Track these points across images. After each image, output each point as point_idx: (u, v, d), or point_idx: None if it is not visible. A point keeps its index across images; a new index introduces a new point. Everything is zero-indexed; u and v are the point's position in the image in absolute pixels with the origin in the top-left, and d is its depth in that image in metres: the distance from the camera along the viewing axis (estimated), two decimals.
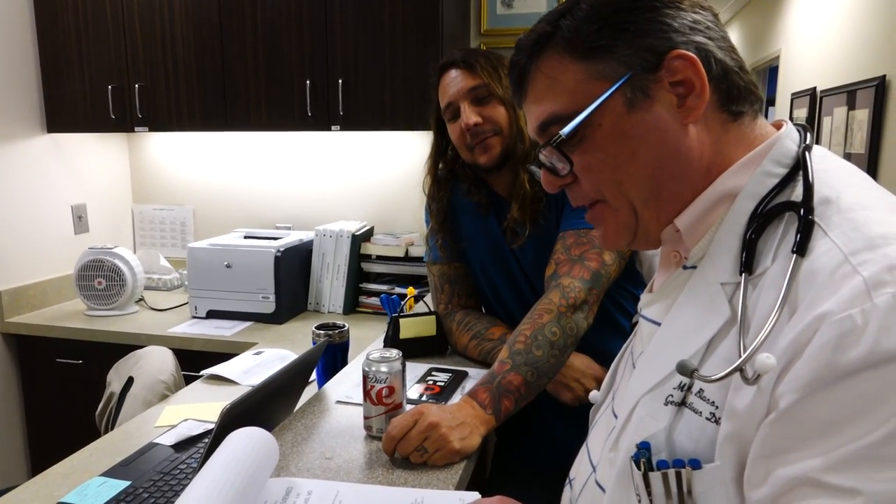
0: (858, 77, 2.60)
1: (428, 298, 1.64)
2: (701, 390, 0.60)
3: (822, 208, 0.58)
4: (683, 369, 0.59)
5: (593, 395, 0.85)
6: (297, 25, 2.13)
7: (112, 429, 1.61)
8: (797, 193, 0.60)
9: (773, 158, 0.63)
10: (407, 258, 2.25)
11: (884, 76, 2.35)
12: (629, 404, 0.67)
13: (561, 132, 0.66)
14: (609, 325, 1.34)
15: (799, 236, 0.56)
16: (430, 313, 1.52)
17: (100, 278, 2.28)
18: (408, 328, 1.48)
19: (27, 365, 2.29)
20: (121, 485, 1.13)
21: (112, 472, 1.17)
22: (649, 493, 0.59)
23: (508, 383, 1.11)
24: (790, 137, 0.65)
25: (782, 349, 0.52)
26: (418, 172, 2.23)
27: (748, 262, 0.60)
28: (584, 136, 0.66)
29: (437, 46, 2.02)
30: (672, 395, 0.62)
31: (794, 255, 0.56)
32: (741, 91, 0.66)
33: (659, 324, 0.69)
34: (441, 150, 1.44)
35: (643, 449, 0.61)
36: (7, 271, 2.29)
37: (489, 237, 1.43)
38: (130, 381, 1.67)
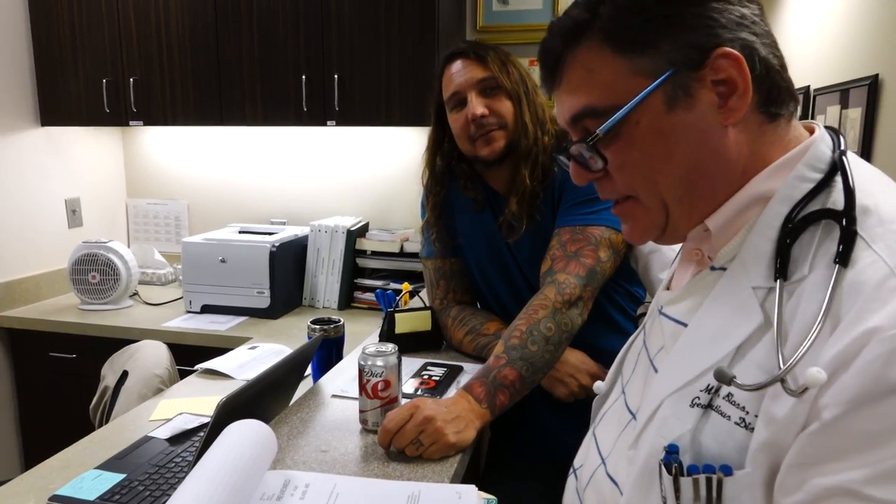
0: (851, 76, 2.62)
1: (423, 294, 1.64)
2: (730, 394, 0.59)
3: (863, 218, 0.56)
4: (722, 377, 0.57)
5: (597, 385, 0.85)
6: (292, 20, 2.12)
7: (106, 422, 1.61)
8: (834, 200, 0.59)
9: (808, 163, 0.62)
10: (402, 254, 2.26)
11: (876, 75, 2.36)
12: (653, 404, 0.66)
13: (598, 130, 0.64)
14: (604, 320, 1.35)
15: (842, 247, 0.55)
16: (424, 308, 1.52)
17: (94, 272, 2.27)
18: (403, 323, 1.48)
19: (20, 359, 2.29)
20: (116, 478, 1.13)
21: (107, 466, 1.17)
22: (678, 498, 0.59)
23: (504, 378, 1.12)
24: (824, 142, 0.63)
25: (826, 361, 0.51)
26: (413, 168, 2.22)
27: (783, 268, 0.59)
28: (619, 132, 0.64)
29: (432, 42, 2.02)
30: (699, 398, 0.61)
31: (837, 266, 0.54)
32: (781, 92, 0.64)
33: (685, 324, 0.68)
34: (439, 142, 1.43)
35: (673, 453, 0.60)
36: (0, 265, 2.28)
37: (485, 233, 1.43)
38: (125, 374, 1.67)
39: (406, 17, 2.04)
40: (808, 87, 3.27)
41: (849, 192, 0.58)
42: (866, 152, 2.38)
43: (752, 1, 0.63)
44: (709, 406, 0.60)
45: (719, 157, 0.63)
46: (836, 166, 0.61)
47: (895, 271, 0.52)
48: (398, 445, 1.00)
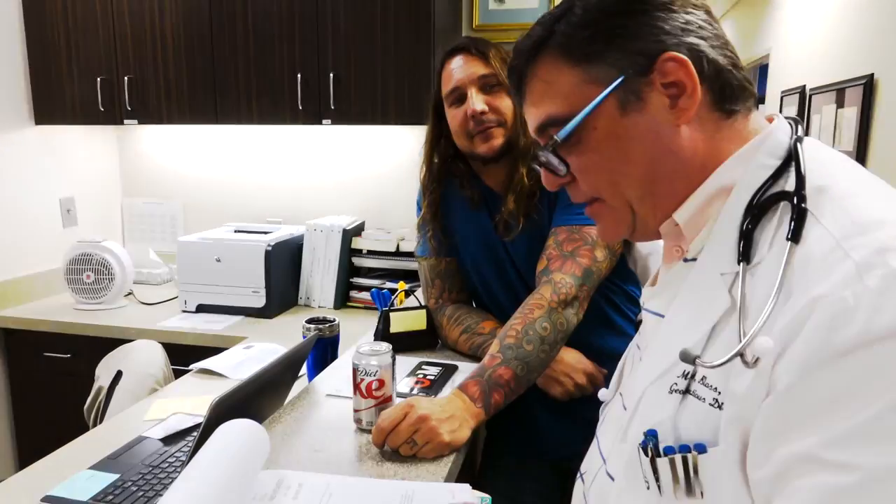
0: (847, 75, 2.62)
1: (419, 293, 1.64)
2: (704, 377, 0.61)
3: (815, 197, 0.59)
4: (686, 357, 0.61)
5: (602, 393, 0.85)
6: (288, 18, 2.12)
7: (100, 423, 1.60)
8: (790, 183, 0.62)
9: (767, 151, 0.65)
10: (398, 253, 2.25)
11: (871, 74, 2.37)
12: (636, 395, 0.69)
13: (556, 136, 0.68)
14: (601, 321, 1.35)
15: (793, 224, 0.58)
16: (420, 307, 1.52)
17: (88, 272, 2.26)
18: (398, 322, 1.48)
19: (15, 359, 2.28)
20: (109, 478, 1.12)
21: (100, 466, 1.17)
22: (657, 479, 0.61)
23: (499, 377, 1.12)
24: (782, 130, 0.66)
25: (779, 332, 0.54)
26: (409, 167, 2.22)
27: (745, 252, 0.61)
28: (579, 138, 0.68)
29: (428, 41, 2.02)
30: (676, 384, 0.64)
31: (789, 243, 0.57)
32: (734, 89, 0.67)
33: (662, 316, 0.71)
34: (437, 138, 1.42)
35: (650, 436, 0.63)
36: None
37: (481, 232, 1.43)
38: (119, 374, 1.66)
39: (401, 16, 2.03)
40: (804, 86, 3.27)
41: (799, 174, 0.61)
42: (862, 150, 2.38)
43: (697, 7, 0.67)
44: (686, 391, 0.63)
45: (675, 156, 0.66)
46: (793, 153, 0.64)
47: (840, 243, 0.54)
48: (392, 444, 1.00)
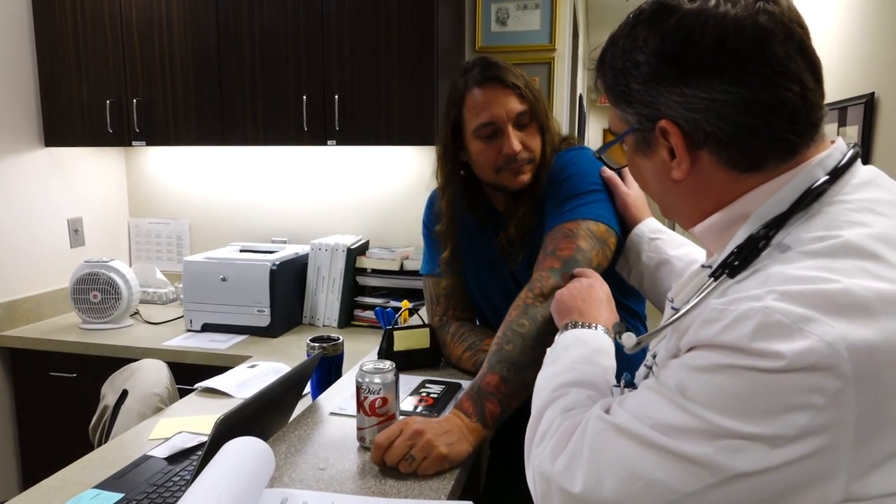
0: (848, 94, 2.64)
1: (423, 312, 1.65)
2: (655, 355, 0.79)
3: (795, 243, 0.64)
4: (616, 326, 0.83)
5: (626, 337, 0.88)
6: (293, 41, 2.15)
7: (106, 442, 1.60)
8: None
9: (793, 186, 0.67)
10: (402, 272, 2.26)
11: (872, 93, 2.39)
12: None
13: (597, 152, 0.85)
14: None
15: (736, 258, 0.66)
16: (423, 326, 1.52)
17: (95, 291, 2.28)
18: (402, 340, 1.48)
19: (21, 378, 2.28)
20: (114, 497, 1.12)
21: (105, 485, 1.17)
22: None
23: (487, 385, 1.10)
24: (822, 164, 0.66)
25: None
26: (413, 187, 2.23)
27: (717, 272, 0.68)
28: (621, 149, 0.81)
29: (431, 63, 2.05)
30: (648, 361, 0.81)
31: (725, 275, 0.66)
32: (755, 152, 0.67)
33: (678, 309, 0.77)
34: (453, 163, 1.38)
35: (627, 379, 0.83)
36: (2, 284, 2.29)
37: (486, 252, 1.44)
38: (125, 394, 1.67)
39: (405, 38, 2.07)
40: None
41: (781, 219, 0.66)
42: None
43: (708, 75, 0.66)
44: (651, 368, 0.79)
45: (676, 200, 0.76)
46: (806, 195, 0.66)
47: (764, 286, 0.60)
48: (390, 461, 1.00)
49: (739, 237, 0.68)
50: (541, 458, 0.72)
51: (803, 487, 0.57)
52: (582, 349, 0.91)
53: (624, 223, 1.31)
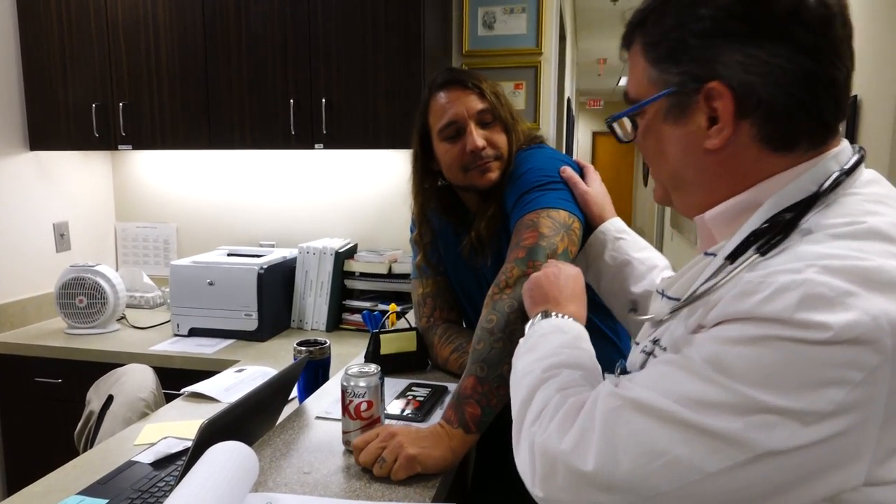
0: None
1: (410, 315, 1.65)
2: (660, 340, 0.75)
3: (817, 227, 0.64)
4: (632, 305, 0.83)
5: None
6: (280, 45, 2.15)
7: (91, 448, 1.59)
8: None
9: (811, 177, 0.67)
10: (390, 275, 2.26)
11: (855, 96, 2.42)
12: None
13: (623, 113, 0.78)
14: (595, 332, 1.34)
15: (766, 238, 0.65)
16: (410, 329, 1.53)
17: (81, 296, 2.26)
18: (388, 344, 1.48)
19: (6, 384, 2.26)
20: (98, 503, 1.11)
21: (89, 491, 1.16)
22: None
23: (464, 389, 1.09)
24: (836, 159, 0.68)
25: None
26: (401, 190, 2.23)
27: (734, 255, 0.68)
28: (636, 121, 0.77)
29: (418, 67, 2.06)
30: (646, 347, 0.78)
31: (756, 254, 0.64)
32: (796, 131, 0.67)
33: (678, 299, 0.76)
34: (424, 169, 1.41)
35: (621, 364, 0.81)
36: None
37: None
38: (110, 399, 1.66)
39: (392, 42, 2.07)
40: None
41: (808, 203, 0.66)
42: None
43: (777, 39, 0.65)
44: (651, 353, 0.76)
45: (699, 174, 0.72)
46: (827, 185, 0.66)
47: (799, 261, 0.60)
48: (363, 462, 1.01)
49: (754, 222, 0.68)
50: (544, 436, 0.68)
51: (826, 471, 0.56)
52: (563, 336, 0.90)
53: (585, 222, 1.30)
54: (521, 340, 0.93)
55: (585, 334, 0.93)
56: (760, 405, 0.56)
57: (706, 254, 0.75)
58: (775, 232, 0.65)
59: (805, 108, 0.66)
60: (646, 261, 1.24)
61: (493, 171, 1.32)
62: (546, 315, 0.96)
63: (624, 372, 0.79)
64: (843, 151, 0.69)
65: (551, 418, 0.69)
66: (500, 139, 1.33)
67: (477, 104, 1.32)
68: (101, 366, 1.99)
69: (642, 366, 0.76)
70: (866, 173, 0.69)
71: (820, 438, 0.56)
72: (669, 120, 0.72)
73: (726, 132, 0.68)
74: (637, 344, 0.85)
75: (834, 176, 0.66)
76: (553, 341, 0.88)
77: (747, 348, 0.58)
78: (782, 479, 0.57)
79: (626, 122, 0.79)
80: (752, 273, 0.61)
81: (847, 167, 0.67)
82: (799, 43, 0.65)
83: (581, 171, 1.34)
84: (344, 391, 1.08)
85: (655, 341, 0.75)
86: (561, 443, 0.66)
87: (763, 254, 0.64)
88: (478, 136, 1.30)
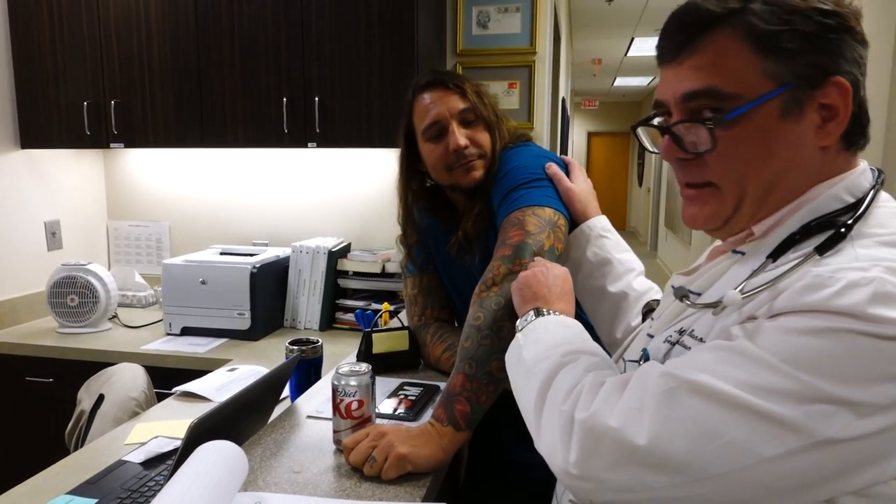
0: None
1: (403, 315, 1.64)
2: (692, 330, 0.73)
3: (862, 230, 0.67)
4: (679, 291, 0.78)
5: None
6: (273, 43, 2.14)
7: (82, 447, 1.58)
8: (848, 217, 0.68)
9: (845, 188, 0.71)
10: (384, 274, 2.26)
11: None
12: (639, 348, 0.83)
13: (724, 116, 0.69)
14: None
15: (824, 239, 0.67)
16: (402, 328, 1.52)
17: (72, 295, 2.25)
18: (381, 343, 1.48)
19: None
20: (87, 503, 1.11)
21: (79, 491, 1.15)
22: None
23: (453, 387, 1.09)
24: (865, 175, 0.73)
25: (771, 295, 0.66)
26: (395, 189, 2.23)
27: (776, 253, 0.70)
28: (735, 123, 0.69)
29: (412, 65, 2.05)
30: (671, 336, 0.77)
31: (815, 252, 0.66)
32: (863, 128, 0.72)
33: (700, 294, 0.78)
34: (411, 172, 1.42)
35: (644, 353, 0.81)
36: None
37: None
38: (101, 398, 1.65)
39: (386, 41, 2.07)
40: None
41: (858, 211, 0.68)
42: None
43: (867, 45, 0.70)
44: (676, 343, 0.75)
45: (802, 173, 0.71)
46: (865, 196, 0.70)
47: (860, 261, 0.62)
48: (353, 461, 1.00)
49: (792, 225, 0.71)
50: (587, 412, 0.66)
51: (869, 462, 0.58)
52: (568, 329, 0.90)
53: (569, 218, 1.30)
54: (519, 336, 0.92)
55: (585, 330, 0.92)
56: (822, 394, 0.58)
57: (734, 251, 0.76)
58: (836, 233, 0.67)
59: (865, 112, 0.72)
60: (625, 262, 1.26)
61: (478, 169, 1.33)
62: (539, 312, 0.96)
63: (647, 359, 0.79)
64: (867, 168, 0.74)
65: (591, 395, 0.68)
66: (483, 138, 1.34)
67: (459, 104, 1.33)
68: (93, 365, 1.98)
69: (666, 354, 0.76)
70: (884, 195, 0.74)
71: (872, 431, 0.57)
72: (789, 118, 0.68)
73: (843, 125, 0.69)
74: (651, 336, 0.84)
75: (873, 189, 0.70)
76: (560, 333, 0.88)
77: (816, 339, 0.59)
78: (831, 468, 0.58)
79: (699, 128, 0.71)
80: (820, 268, 0.63)
81: (880, 181, 0.72)
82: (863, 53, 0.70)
83: (566, 167, 1.35)
84: (334, 390, 1.08)
85: (681, 331, 0.76)
86: (609, 418, 0.65)
87: (821, 253, 0.66)
88: (460, 136, 1.31)
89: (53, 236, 2.54)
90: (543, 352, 0.82)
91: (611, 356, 1.06)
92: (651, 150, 0.83)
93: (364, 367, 1.09)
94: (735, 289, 0.69)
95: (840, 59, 0.68)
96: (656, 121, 0.77)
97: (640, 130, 0.82)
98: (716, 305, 0.71)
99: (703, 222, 0.77)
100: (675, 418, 0.62)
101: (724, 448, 0.59)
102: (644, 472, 0.62)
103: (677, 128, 0.73)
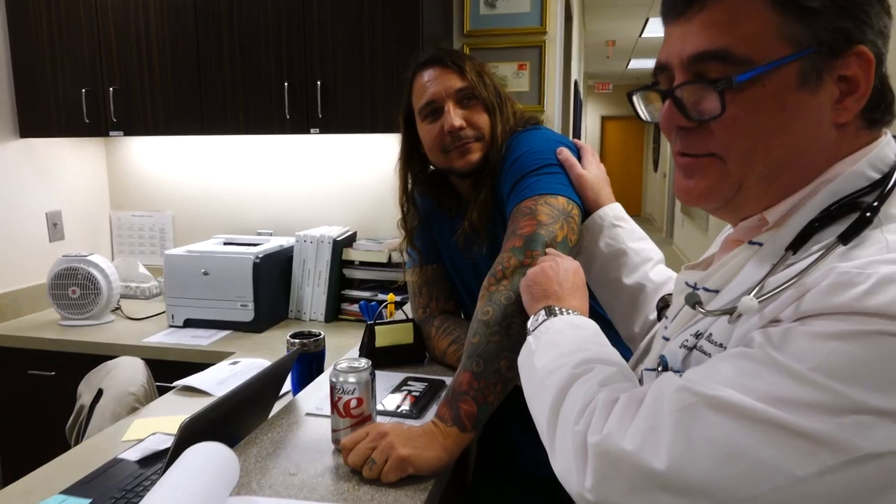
0: None
1: (408, 307, 1.59)
2: (710, 335, 0.67)
3: (887, 218, 0.60)
4: (690, 298, 0.70)
5: None
6: (274, 28, 2.08)
7: (81, 443, 1.55)
8: (874, 197, 0.62)
9: (869, 163, 0.63)
10: (390, 264, 2.20)
11: None
12: (655, 355, 0.77)
13: (735, 78, 0.61)
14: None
15: (849, 226, 0.60)
16: (407, 321, 1.47)
17: (74, 287, 2.22)
18: (384, 336, 1.43)
19: None
20: (81, 502, 1.08)
21: (73, 490, 1.12)
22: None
23: (459, 385, 1.03)
24: (890, 146, 0.65)
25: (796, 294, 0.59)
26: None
27: (797, 243, 0.63)
28: (746, 89, 0.62)
29: (417, 48, 1.98)
30: (687, 341, 0.71)
31: (838, 242, 0.59)
32: (886, 104, 0.65)
33: (717, 291, 0.72)
34: (410, 153, 1.38)
35: (662, 360, 0.73)
36: None
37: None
38: (100, 393, 1.62)
39: (389, 23, 2.00)
40: None
41: (885, 189, 0.61)
42: None
43: (892, 19, 0.64)
44: (693, 348, 0.69)
45: (817, 151, 0.64)
46: (893, 171, 0.63)
47: (890, 251, 0.56)
48: (352, 463, 0.95)
49: (811, 210, 0.64)
50: (600, 435, 0.61)
51: None
52: (581, 332, 0.83)
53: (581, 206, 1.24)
54: (530, 339, 0.86)
55: (600, 330, 0.86)
56: (857, 405, 0.52)
57: (751, 243, 0.69)
58: (860, 218, 0.60)
59: (889, 88, 0.65)
60: (641, 252, 1.18)
61: (474, 152, 1.27)
62: (550, 311, 0.90)
63: (665, 368, 0.72)
64: (892, 139, 0.66)
65: (605, 415, 0.63)
66: (482, 119, 1.27)
67: (456, 83, 1.27)
68: (95, 358, 1.95)
69: (684, 360, 0.70)
70: None
71: None
72: (807, 87, 0.61)
73: (862, 100, 0.62)
74: (666, 340, 0.77)
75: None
76: (573, 337, 0.82)
77: (846, 344, 0.53)
78: (873, 485, 0.53)
79: (707, 91, 0.63)
80: (846, 263, 0.56)
81: None
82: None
83: (578, 152, 1.28)
84: (332, 387, 1.02)
85: (698, 335, 0.69)
86: (624, 441, 0.59)
87: (845, 242, 0.59)
88: (455, 116, 1.25)
89: (55, 227, 2.50)
90: (555, 360, 0.76)
91: (631, 352, 1.00)
92: (645, 117, 0.75)
93: (363, 362, 1.04)
94: (751, 293, 0.62)
95: (866, 26, 0.61)
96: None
97: (636, 97, 0.75)
98: (731, 313, 0.64)
99: (699, 197, 0.69)
100: (696, 438, 0.56)
101: (751, 469, 0.54)
102: (666, 496, 0.56)
103: (680, 91, 0.65)
